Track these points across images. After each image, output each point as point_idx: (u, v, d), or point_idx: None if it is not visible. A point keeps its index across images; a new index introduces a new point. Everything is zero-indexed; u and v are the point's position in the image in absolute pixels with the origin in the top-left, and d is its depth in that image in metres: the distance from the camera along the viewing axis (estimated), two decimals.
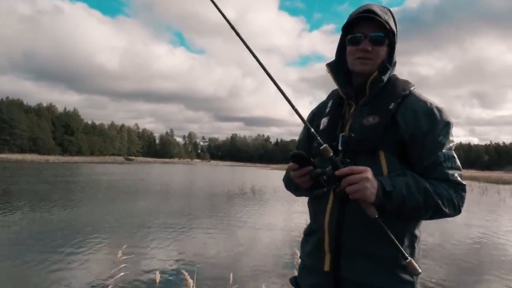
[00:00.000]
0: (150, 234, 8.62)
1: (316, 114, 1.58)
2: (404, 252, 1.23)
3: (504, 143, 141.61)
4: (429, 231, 8.97)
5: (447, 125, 1.36)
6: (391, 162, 1.33)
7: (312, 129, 1.32)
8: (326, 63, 1.52)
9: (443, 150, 1.33)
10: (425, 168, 1.32)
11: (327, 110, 1.52)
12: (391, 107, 1.36)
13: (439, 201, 1.27)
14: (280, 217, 12.22)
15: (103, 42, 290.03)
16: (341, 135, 1.37)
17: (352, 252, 1.34)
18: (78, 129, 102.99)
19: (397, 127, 1.34)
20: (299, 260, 1.61)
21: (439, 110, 1.36)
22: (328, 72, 1.51)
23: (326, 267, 1.38)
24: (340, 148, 1.37)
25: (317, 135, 1.29)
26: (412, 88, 1.42)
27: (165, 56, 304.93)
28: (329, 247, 1.38)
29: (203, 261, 6.46)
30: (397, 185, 1.26)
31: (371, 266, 1.33)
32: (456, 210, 1.33)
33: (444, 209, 1.29)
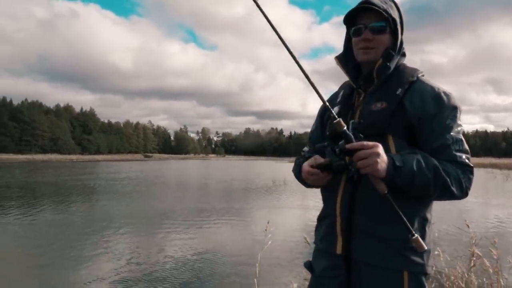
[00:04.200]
0: (194, 224, 9.43)
1: (331, 103, 1.56)
2: (410, 228, 1.25)
3: None
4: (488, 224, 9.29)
5: (455, 109, 1.38)
6: (399, 146, 1.35)
7: (327, 103, 1.35)
8: (335, 56, 1.56)
9: (451, 133, 1.34)
10: (433, 150, 1.33)
11: (338, 100, 1.56)
12: (398, 92, 1.39)
13: (448, 179, 1.28)
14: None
15: (117, 42, 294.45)
16: (351, 121, 1.36)
17: (363, 234, 1.37)
18: (95, 128, 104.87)
19: (405, 111, 1.36)
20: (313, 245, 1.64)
21: (447, 95, 1.38)
22: (337, 64, 1.55)
23: (338, 250, 1.41)
24: (350, 133, 1.34)
25: (331, 109, 1.32)
26: (420, 75, 1.44)
27: (178, 54, 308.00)
28: (340, 230, 1.41)
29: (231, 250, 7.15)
30: (408, 161, 1.27)
31: (381, 248, 1.35)
32: (463, 192, 1.33)
33: (452, 188, 1.29)
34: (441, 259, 3.77)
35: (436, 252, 3.76)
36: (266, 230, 3.73)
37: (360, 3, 1.42)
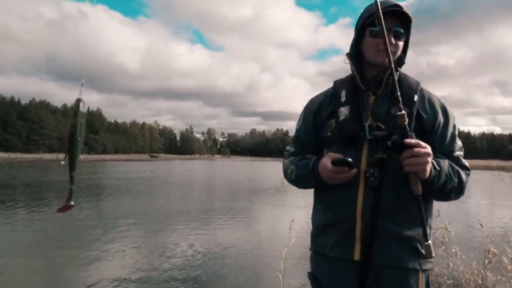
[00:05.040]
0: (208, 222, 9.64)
1: (324, 104, 1.54)
2: (428, 233, 1.32)
3: None
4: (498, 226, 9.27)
5: (454, 119, 1.49)
6: None
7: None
8: (346, 53, 1.53)
9: (457, 141, 1.47)
10: (444, 155, 1.41)
11: (342, 100, 1.48)
12: (415, 99, 1.42)
13: (464, 184, 1.41)
14: None
15: (124, 43, 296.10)
16: (367, 124, 1.37)
17: (386, 238, 1.36)
18: (102, 128, 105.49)
19: (421, 118, 1.41)
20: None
21: (447, 106, 1.49)
22: (347, 62, 1.52)
23: (356, 256, 1.38)
24: (368, 137, 1.36)
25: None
26: (421, 84, 1.50)
27: (185, 55, 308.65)
28: (361, 235, 1.38)
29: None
30: (442, 165, 1.34)
31: (403, 250, 1.37)
32: (463, 193, 1.45)
33: (464, 192, 1.43)
34: (458, 257, 3.93)
35: (453, 250, 3.93)
36: (290, 228, 3.92)
37: (391, 5, 1.39)
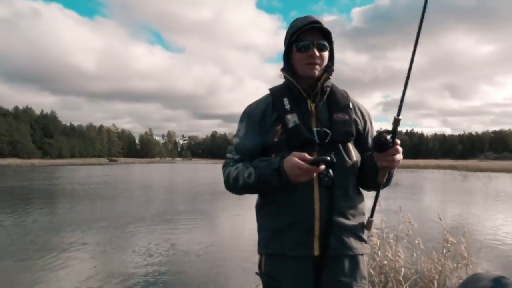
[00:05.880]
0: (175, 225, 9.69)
1: (266, 112, 1.60)
2: (373, 213, 1.59)
3: (476, 132, 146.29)
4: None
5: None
6: (355, 151, 1.59)
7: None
8: (280, 69, 1.64)
9: None
10: (368, 148, 1.62)
11: (287, 107, 1.55)
12: (351, 106, 1.61)
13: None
14: None
15: (80, 43, 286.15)
16: (315, 129, 1.51)
17: (339, 231, 1.50)
18: (56, 131, 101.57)
19: (356, 123, 1.60)
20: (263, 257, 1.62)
21: (368, 111, 1.71)
22: (283, 77, 1.63)
23: (316, 252, 1.49)
24: (318, 141, 1.50)
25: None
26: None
27: (143, 56, 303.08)
28: (319, 232, 1.48)
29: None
30: None
31: (353, 239, 1.54)
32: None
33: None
34: (420, 247, 4.27)
35: (416, 242, 4.28)
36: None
37: (311, 22, 1.52)
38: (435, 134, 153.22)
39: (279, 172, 1.41)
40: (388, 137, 1.40)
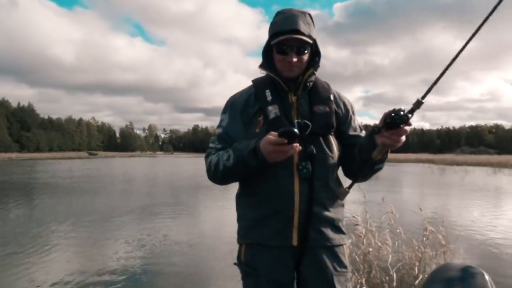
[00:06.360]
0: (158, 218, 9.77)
1: (249, 102, 1.61)
2: (353, 184, 1.52)
3: (454, 127, 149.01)
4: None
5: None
6: (336, 141, 1.60)
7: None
8: (259, 65, 1.65)
9: (361, 127, 1.73)
10: (350, 137, 1.64)
11: (269, 99, 1.57)
12: (332, 98, 1.62)
13: None
14: None
15: (59, 34, 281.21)
16: (296, 121, 1.52)
17: (319, 222, 1.53)
18: (34, 124, 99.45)
19: (337, 114, 1.62)
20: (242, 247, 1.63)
21: (351, 102, 1.74)
22: (263, 73, 1.66)
23: (295, 242, 1.50)
24: (298, 133, 1.39)
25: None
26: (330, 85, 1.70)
27: (124, 48, 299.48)
28: (298, 223, 1.50)
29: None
30: None
31: (333, 230, 1.57)
32: None
33: None
34: (401, 236, 4.48)
35: (398, 231, 4.50)
36: None
37: (290, 31, 1.49)
38: (414, 129, 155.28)
39: (255, 153, 1.41)
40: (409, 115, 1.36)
